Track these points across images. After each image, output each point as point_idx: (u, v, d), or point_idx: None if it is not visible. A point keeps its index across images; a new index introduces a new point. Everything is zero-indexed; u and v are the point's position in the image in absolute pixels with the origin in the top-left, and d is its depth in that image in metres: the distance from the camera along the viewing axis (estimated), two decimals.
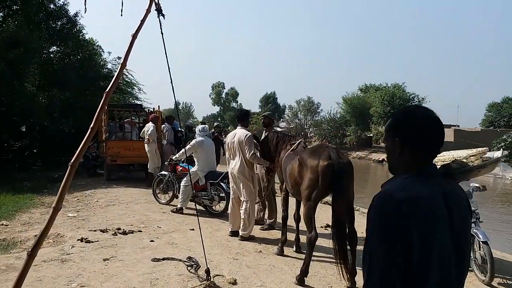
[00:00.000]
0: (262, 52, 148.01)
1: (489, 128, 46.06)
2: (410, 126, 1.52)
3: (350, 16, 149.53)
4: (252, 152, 6.05)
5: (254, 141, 6.26)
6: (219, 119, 72.48)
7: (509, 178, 23.84)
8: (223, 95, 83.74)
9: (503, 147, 26.84)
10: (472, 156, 3.83)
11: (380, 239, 1.41)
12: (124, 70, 21.33)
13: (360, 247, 5.73)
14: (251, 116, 6.83)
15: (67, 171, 2.94)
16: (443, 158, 4.22)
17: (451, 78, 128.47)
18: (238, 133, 6.25)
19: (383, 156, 38.14)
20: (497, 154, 3.76)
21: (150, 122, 10.87)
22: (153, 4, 3.44)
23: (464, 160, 3.39)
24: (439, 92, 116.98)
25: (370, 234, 1.46)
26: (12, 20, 12.66)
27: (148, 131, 10.58)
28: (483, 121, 54.33)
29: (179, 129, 11.64)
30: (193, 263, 4.77)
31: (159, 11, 3.48)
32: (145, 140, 10.62)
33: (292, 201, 5.80)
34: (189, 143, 8.09)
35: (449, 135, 40.83)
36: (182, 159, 7.68)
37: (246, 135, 6.15)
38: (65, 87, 14.92)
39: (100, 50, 20.41)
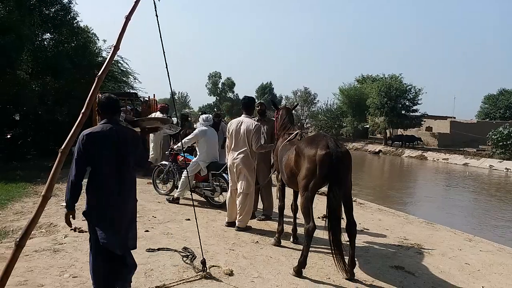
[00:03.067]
0: (259, 42, 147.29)
1: (484, 120, 46.21)
2: (99, 103, 3.45)
3: (347, 6, 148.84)
4: (260, 144, 5.90)
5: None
6: (215, 109, 72.20)
7: (504, 170, 23.90)
8: (220, 85, 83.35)
9: (498, 139, 26.88)
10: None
11: (76, 155, 3.19)
12: (119, 58, 21.16)
13: (362, 237, 5.68)
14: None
15: (57, 158, 2.83)
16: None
17: (448, 69, 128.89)
18: (245, 122, 5.99)
19: (379, 147, 38.19)
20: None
21: (159, 112, 10.71)
22: None
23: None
24: (435, 84, 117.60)
25: (75, 152, 3.22)
26: (3, 5, 12.33)
27: None
28: (479, 113, 54.57)
29: (173, 118, 11.50)
30: (188, 254, 4.68)
31: None
32: None
33: (289, 191, 5.71)
34: (185, 131, 7.94)
35: (445, 127, 40.94)
36: (183, 149, 7.51)
37: (255, 125, 5.94)
38: (58, 75, 14.64)
39: (95, 38, 20.08)
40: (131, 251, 3.49)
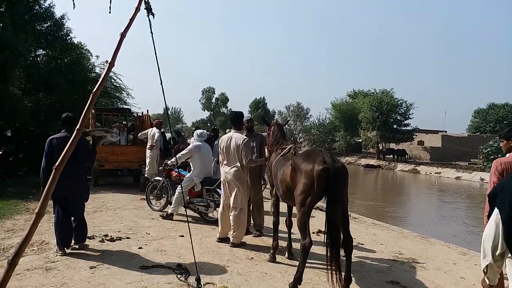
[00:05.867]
0: (252, 57, 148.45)
1: (475, 134, 46.69)
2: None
3: (338, 22, 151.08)
4: (250, 158, 5.91)
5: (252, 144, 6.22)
6: (208, 124, 72.25)
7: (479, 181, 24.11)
8: (213, 100, 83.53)
9: (489, 152, 27.15)
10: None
11: (45, 151, 5.14)
12: (113, 74, 21.17)
13: (357, 252, 5.66)
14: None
15: (52, 175, 2.80)
16: None
17: (439, 84, 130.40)
18: (234, 137, 6.01)
19: (371, 161, 38.35)
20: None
21: (155, 128, 10.69)
22: (143, 3, 3.33)
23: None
24: (426, 98, 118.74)
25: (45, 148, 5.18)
26: (0, 23, 12.38)
27: (155, 136, 10.42)
28: (470, 127, 55.17)
29: (167, 134, 11.51)
30: (182, 271, 4.63)
31: (149, 9, 3.36)
32: (149, 145, 10.46)
33: (283, 206, 5.69)
34: (180, 147, 7.91)
35: (436, 141, 41.28)
36: (177, 164, 7.49)
37: (244, 139, 5.95)
38: (52, 91, 14.59)
39: (88, 54, 20.12)
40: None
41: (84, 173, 5.60)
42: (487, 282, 2.69)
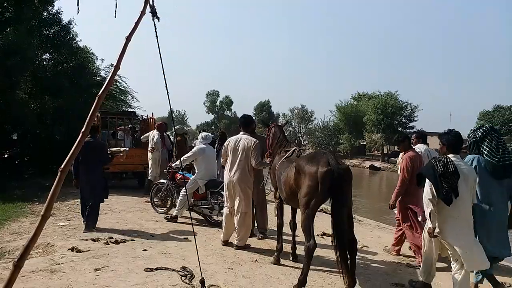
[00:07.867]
0: (256, 60, 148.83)
1: None
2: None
3: (342, 25, 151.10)
4: (260, 160, 5.91)
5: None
6: (213, 127, 72.41)
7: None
8: (218, 103, 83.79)
9: None
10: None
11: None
12: (118, 77, 21.29)
13: (362, 254, 5.64)
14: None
15: (57, 177, 2.82)
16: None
17: (444, 86, 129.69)
18: (244, 140, 6.00)
19: (376, 163, 38.24)
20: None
21: (156, 130, 10.69)
22: (148, 6, 3.36)
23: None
24: (431, 100, 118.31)
25: None
26: (13, 29, 12.52)
27: (154, 139, 10.43)
28: None
29: (170, 137, 11.50)
30: (187, 273, 4.63)
31: (154, 13, 3.39)
32: (150, 148, 10.47)
33: (287, 208, 5.70)
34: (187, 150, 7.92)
35: None
36: (182, 167, 7.48)
37: (254, 142, 5.95)
38: (57, 94, 14.70)
39: (94, 57, 20.29)
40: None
41: (100, 170, 7.05)
42: (431, 226, 3.98)
